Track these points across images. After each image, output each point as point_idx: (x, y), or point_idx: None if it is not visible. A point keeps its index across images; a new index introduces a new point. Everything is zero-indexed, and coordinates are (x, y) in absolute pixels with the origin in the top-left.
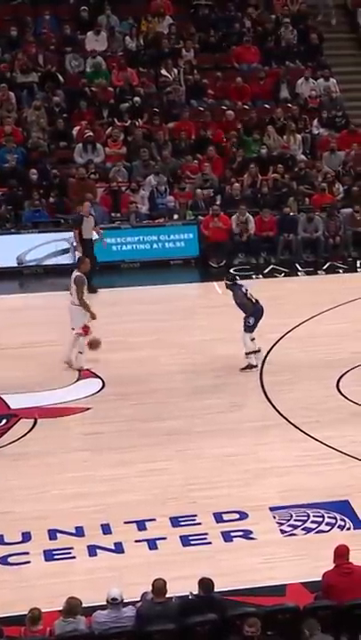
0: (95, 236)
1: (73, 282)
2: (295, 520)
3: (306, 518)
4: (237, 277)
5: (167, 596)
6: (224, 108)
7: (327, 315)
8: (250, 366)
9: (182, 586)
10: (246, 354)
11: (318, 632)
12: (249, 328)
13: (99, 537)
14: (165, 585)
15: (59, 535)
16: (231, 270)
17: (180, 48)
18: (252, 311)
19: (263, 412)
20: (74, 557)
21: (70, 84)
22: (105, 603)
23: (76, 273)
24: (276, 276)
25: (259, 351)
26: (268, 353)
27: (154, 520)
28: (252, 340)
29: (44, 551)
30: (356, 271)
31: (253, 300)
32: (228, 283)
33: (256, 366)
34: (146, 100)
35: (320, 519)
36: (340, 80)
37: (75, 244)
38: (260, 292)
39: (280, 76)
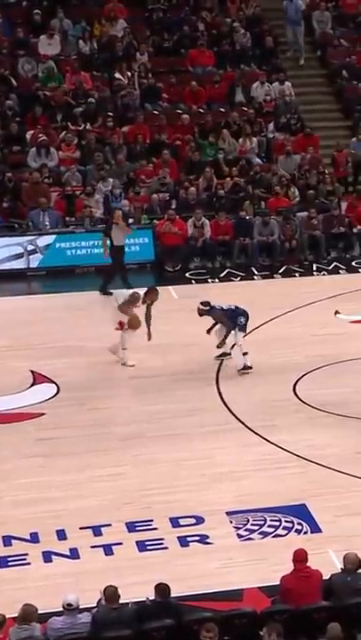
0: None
1: (129, 295)
2: (252, 524)
3: (263, 522)
4: (210, 302)
5: (123, 601)
6: (179, 111)
7: (284, 318)
8: (246, 367)
9: (138, 591)
10: (243, 354)
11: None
12: (242, 327)
13: (54, 543)
14: (117, 591)
15: (13, 541)
16: (202, 300)
17: (135, 51)
18: (236, 314)
19: (220, 415)
20: (29, 564)
21: (23, 87)
22: (61, 609)
23: (138, 293)
24: (232, 280)
25: (230, 355)
26: (221, 364)
27: (109, 525)
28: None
29: None
30: (313, 274)
31: (233, 308)
32: (205, 309)
33: (251, 367)
34: (100, 104)
35: (277, 523)
36: (295, 83)
37: (103, 250)
38: (216, 297)
39: (235, 79)
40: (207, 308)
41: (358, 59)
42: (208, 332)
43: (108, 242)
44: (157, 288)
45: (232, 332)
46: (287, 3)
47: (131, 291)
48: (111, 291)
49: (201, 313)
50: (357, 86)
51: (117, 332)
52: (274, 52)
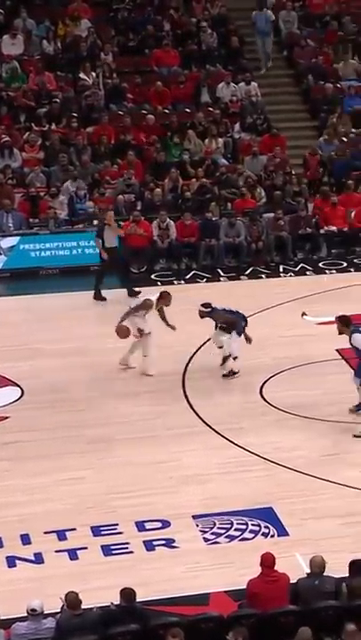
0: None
1: (142, 301)
2: (218, 528)
3: (229, 526)
4: (211, 303)
5: (88, 606)
6: (144, 112)
7: (250, 320)
8: (232, 373)
9: (104, 596)
10: (233, 358)
11: None
12: (240, 332)
13: (18, 547)
14: (78, 597)
15: None
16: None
17: (99, 51)
18: (238, 318)
19: (186, 418)
20: None
21: None
22: (25, 614)
23: (150, 300)
24: (198, 282)
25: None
26: (191, 359)
27: (74, 530)
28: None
29: None
30: (280, 276)
31: (233, 311)
32: (206, 310)
33: (237, 372)
34: (64, 104)
35: (244, 527)
36: (262, 84)
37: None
38: (182, 299)
39: (201, 79)
40: (208, 309)
41: (325, 59)
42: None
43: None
44: (169, 292)
45: (229, 335)
46: (257, 13)
47: (142, 298)
48: (105, 297)
49: (202, 315)
50: (324, 86)
51: (127, 340)
52: (240, 52)
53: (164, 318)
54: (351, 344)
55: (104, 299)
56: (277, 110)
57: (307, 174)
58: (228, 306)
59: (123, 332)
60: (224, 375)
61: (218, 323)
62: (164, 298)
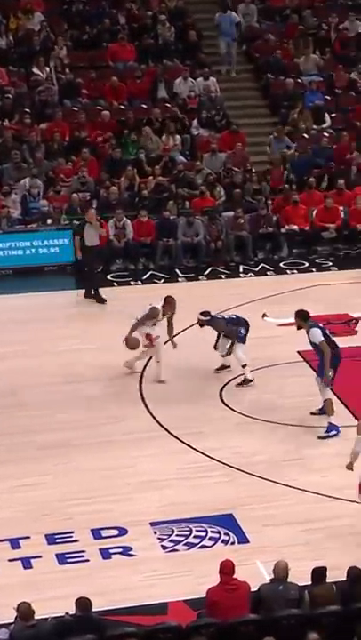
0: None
1: (148, 309)
2: (177, 535)
3: (188, 533)
4: (210, 311)
5: (43, 616)
6: (99, 108)
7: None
8: (246, 381)
9: (58, 606)
10: (242, 366)
11: None
12: (241, 339)
13: None
14: (30, 607)
15: None
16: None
17: (52, 45)
18: (237, 326)
19: (143, 423)
20: None
21: None
22: None
23: (157, 307)
24: (155, 283)
25: (229, 367)
26: (148, 362)
27: (28, 538)
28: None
29: None
30: (239, 276)
31: (234, 317)
32: (205, 319)
33: (252, 380)
34: (17, 100)
35: (203, 534)
36: (220, 79)
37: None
38: (139, 300)
39: (157, 74)
40: (207, 318)
41: (285, 53)
42: (215, 347)
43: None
44: (173, 296)
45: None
46: (220, 15)
47: (148, 306)
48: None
49: (201, 323)
50: (285, 82)
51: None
52: (198, 47)
53: (171, 330)
54: (309, 339)
55: (104, 300)
56: (237, 106)
57: (274, 183)
58: (228, 313)
59: (132, 344)
60: (238, 384)
61: (218, 332)
62: (170, 303)
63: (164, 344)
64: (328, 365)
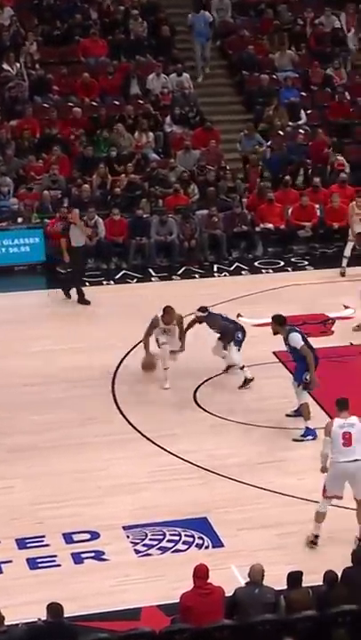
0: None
1: (150, 321)
2: (150, 539)
3: (162, 537)
4: (207, 307)
5: (13, 622)
6: (70, 104)
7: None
8: (247, 381)
9: (30, 611)
10: (241, 368)
11: None
12: (238, 342)
13: None
14: (0, 613)
15: None
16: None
17: (23, 41)
18: (235, 328)
19: (116, 425)
20: None
21: None
22: None
23: (157, 316)
24: (128, 282)
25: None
26: (121, 363)
27: None
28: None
29: None
30: (214, 276)
31: (233, 320)
32: (203, 315)
33: (252, 379)
34: None
35: (177, 538)
36: (194, 75)
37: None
38: (112, 299)
39: (130, 70)
40: (205, 313)
41: (260, 49)
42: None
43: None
44: (171, 307)
45: (228, 346)
46: (193, 16)
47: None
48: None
49: (200, 320)
50: (259, 78)
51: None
52: (171, 42)
53: (183, 335)
54: (288, 344)
55: (88, 302)
56: (211, 102)
57: (248, 185)
58: (227, 314)
59: (148, 367)
60: (239, 387)
61: (214, 330)
62: (168, 313)
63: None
64: (312, 369)
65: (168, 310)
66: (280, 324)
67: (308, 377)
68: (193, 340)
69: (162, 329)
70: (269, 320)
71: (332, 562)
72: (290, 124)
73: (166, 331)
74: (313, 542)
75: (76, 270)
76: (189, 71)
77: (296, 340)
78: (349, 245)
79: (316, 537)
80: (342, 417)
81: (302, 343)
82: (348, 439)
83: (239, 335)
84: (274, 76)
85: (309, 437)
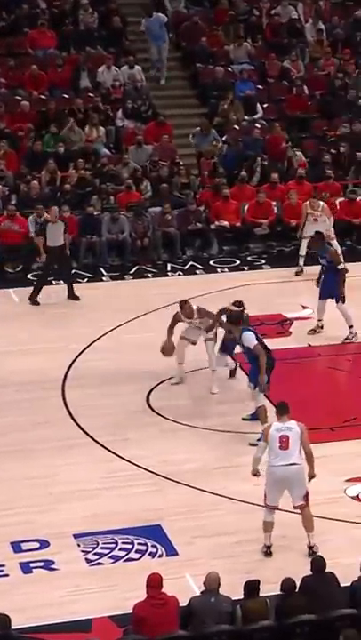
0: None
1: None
2: (102, 548)
3: (114, 546)
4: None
5: None
6: (18, 98)
7: (136, 323)
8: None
9: None
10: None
11: None
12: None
13: None
14: None
15: None
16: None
17: None
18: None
19: (66, 430)
20: None
21: None
22: None
23: (178, 310)
24: (78, 282)
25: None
26: (71, 366)
27: None
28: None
29: None
30: (167, 275)
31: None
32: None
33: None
34: None
35: (129, 546)
36: (146, 67)
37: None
38: (62, 300)
39: (80, 62)
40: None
41: (214, 40)
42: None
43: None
44: (186, 301)
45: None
46: (147, 20)
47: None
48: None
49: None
50: (214, 70)
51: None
52: (122, 33)
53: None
54: (242, 344)
55: (37, 303)
56: (164, 96)
57: (201, 179)
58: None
59: (167, 351)
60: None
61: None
62: (182, 307)
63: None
64: (263, 370)
65: (183, 305)
66: (235, 323)
67: (265, 379)
68: (147, 341)
69: (188, 322)
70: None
71: (291, 570)
72: (245, 118)
73: (193, 324)
74: (266, 553)
75: (61, 270)
76: (142, 63)
77: (249, 339)
78: (304, 243)
79: (268, 547)
80: (281, 421)
81: (255, 342)
82: (284, 442)
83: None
84: (229, 69)
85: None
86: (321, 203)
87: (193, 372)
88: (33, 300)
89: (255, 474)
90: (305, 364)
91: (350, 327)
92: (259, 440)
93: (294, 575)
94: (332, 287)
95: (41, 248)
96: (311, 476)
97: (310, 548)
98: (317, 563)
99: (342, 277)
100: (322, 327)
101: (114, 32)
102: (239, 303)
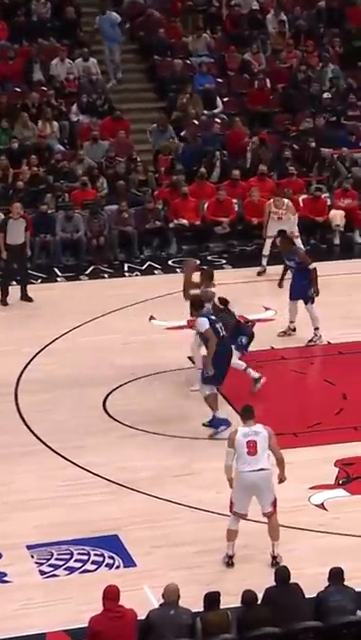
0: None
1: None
2: (56, 559)
3: (69, 557)
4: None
5: None
6: None
7: (91, 325)
8: (257, 380)
9: None
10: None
11: None
12: (239, 347)
13: None
14: None
15: None
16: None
17: None
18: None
19: (19, 436)
20: None
21: None
22: None
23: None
24: (32, 283)
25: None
26: (24, 370)
27: None
28: None
29: None
30: (124, 276)
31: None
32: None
33: (260, 377)
34: None
35: (85, 557)
36: (102, 60)
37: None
38: (14, 301)
39: (32, 55)
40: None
41: (172, 32)
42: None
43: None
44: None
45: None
46: (100, 18)
47: None
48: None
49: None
50: (172, 63)
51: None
52: (76, 25)
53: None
54: (197, 330)
55: (6, 304)
56: (120, 90)
57: (158, 176)
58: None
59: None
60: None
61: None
62: (203, 275)
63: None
64: (211, 354)
65: (204, 272)
66: (197, 308)
67: (211, 368)
68: (103, 344)
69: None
70: (184, 323)
71: (254, 581)
72: (205, 112)
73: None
74: (228, 563)
75: (19, 269)
76: (96, 56)
77: (202, 324)
78: (268, 243)
79: (231, 557)
80: (247, 425)
81: (207, 327)
82: (252, 447)
83: (243, 340)
84: (187, 62)
85: (223, 427)
86: (286, 200)
87: (150, 377)
88: (3, 301)
89: (231, 484)
90: (267, 367)
91: (316, 329)
92: (215, 429)
93: (258, 586)
94: (302, 288)
95: (2, 245)
96: (281, 480)
97: (274, 557)
98: (281, 573)
99: (314, 277)
100: (294, 329)
101: (67, 23)
102: (224, 301)
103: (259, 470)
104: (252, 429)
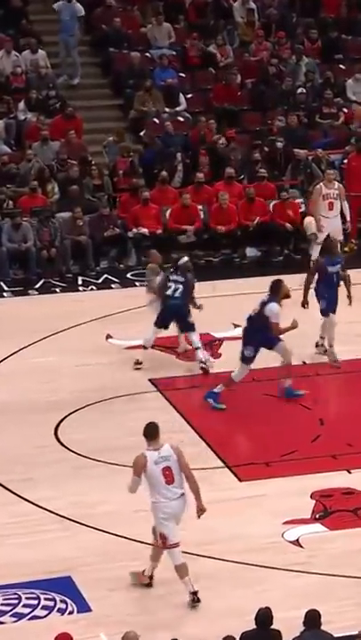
0: None
1: None
2: (3, 604)
3: (17, 602)
4: None
5: None
6: None
7: (41, 345)
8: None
9: None
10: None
11: None
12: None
13: None
14: None
15: None
16: None
17: None
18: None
19: None
20: None
21: None
22: None
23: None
24: None
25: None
26: None
27: None
28: None
29: None
30: (78, 290)
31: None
32: None
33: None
34: None
35: (35, 602)
36: (52, 52)
37: None
38: None
39: None
40: None
41: (129, 22)
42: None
43: None
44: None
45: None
46: (63, 3)
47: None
48: None
49: None
50: (129, 55)
51: None
52: (23, 13)
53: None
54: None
55: None
56: (72, 85)
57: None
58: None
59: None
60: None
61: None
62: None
63: None
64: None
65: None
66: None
67: None
68: (55, 365)
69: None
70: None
71: (222, 624)
72: (166, 110)
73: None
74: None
75: None
76: (46, 47)
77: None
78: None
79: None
80: (153, 448)
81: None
82: (169, 475)
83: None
84: (147, 54)
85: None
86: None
87: (107, 401)
88: None
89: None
90: (238, 390)
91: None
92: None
93: (228, 630)
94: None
95: None
96: (202, 510)
97: (193, 594)
98: (262, 616)
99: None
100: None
101: (12, 11)
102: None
103: (181, 496)
104: (160, 455)
